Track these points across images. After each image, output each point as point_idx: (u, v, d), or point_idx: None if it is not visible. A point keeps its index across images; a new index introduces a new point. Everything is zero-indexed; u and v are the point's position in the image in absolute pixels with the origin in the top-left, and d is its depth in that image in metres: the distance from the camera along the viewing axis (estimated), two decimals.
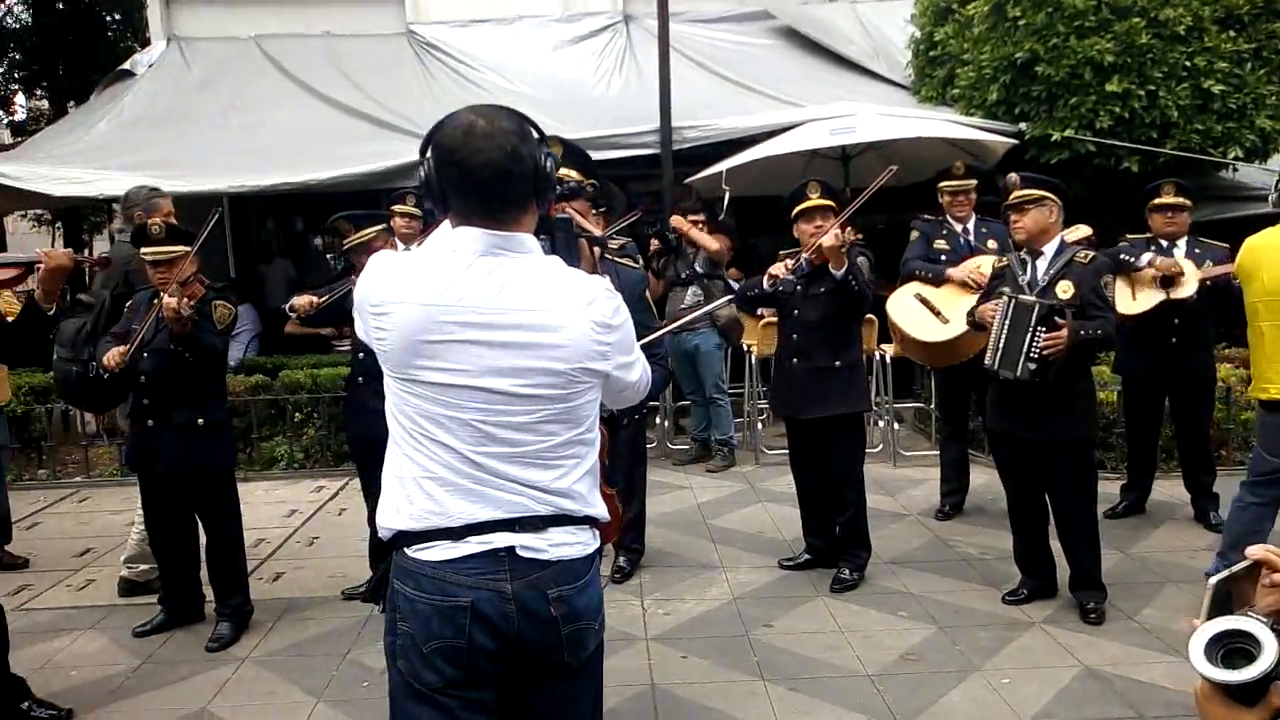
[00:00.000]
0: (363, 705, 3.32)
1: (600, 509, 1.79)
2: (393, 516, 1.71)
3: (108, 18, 18.15)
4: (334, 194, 7.35)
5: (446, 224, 1.85)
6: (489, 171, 1.63)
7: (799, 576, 4.39)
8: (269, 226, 11.30)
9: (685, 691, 3.37)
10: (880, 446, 6.40)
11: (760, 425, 6.66)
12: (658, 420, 6.78)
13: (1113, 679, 3.36)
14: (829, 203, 4.16)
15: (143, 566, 4.32)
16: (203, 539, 3.98)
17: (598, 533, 1.80)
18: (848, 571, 4.23)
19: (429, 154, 1.69)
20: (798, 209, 4.18)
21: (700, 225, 6.33)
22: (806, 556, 4.47)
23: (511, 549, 1.67)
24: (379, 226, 4.04)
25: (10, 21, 18.07)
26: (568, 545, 1.72)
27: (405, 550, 1.70)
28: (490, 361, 1.64)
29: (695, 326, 6.15)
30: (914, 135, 6.64)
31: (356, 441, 4.25)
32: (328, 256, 11.35)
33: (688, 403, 6.74)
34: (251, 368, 6.92)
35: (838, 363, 4.14)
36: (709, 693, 3.35)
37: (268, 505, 5.77)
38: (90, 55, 16.71)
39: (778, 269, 4.13)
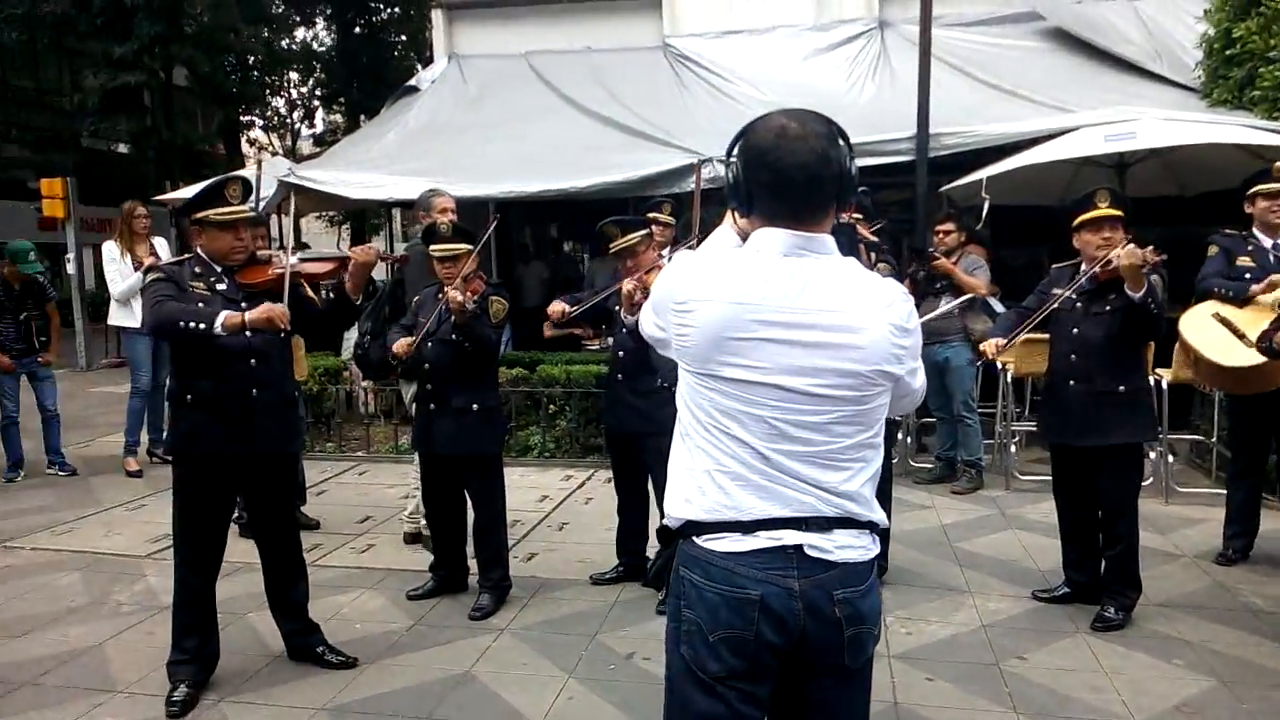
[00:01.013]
0: (610, 686, 3.48)
1: (880, 515, 1.79)
2: (683, 507, 1.77)
3: (395, 40, 20.09)
4: (588, 202, 7.74)
5: (723, 226, 1.91)
6: (801, 174, 1.67)
7: (1055, 610, 4.13)
8: (527, 232, 12.04)
9: (931, 714, 3.27)
10: (1150, 480, 5.88)
11: (1013, 448, 6.31)
12: (899, 435, 6.59)
13: None
14: (1118, 212, 3.87)
15: (424, 520, 4.76)
16: (470, 516, 4.31)
17: (877, 539, 1.80)
18: (1113, 610, 3.93)
19: (736, 156, 1.74)
20: (1082, 218, 3.90)
21: (950, 236, 6.11)
22: (1065, 590, 4.19)
23: (800, 547, 1.70)
24: (643, 232, 4.20)
25: (316, 45, 20.44)
26: (852, 548, 1.74)
27: (694, 539, 1.75)
28: (789, 360, 1.67)
29: (947, 338, 5.93)
30: (1208, 140, 6.03)
31: (611, 434, 4.46)
32: (580, 260, 11.94)
33: (933, 420, 6.51)
34: (512, 361, 7.38)
35: (1121, 387, 3.84)
36: (956, 718, 3.24)
37: (520, 490, 6.14)
38: (379, 74, 18.57)
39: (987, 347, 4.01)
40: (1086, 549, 4.11)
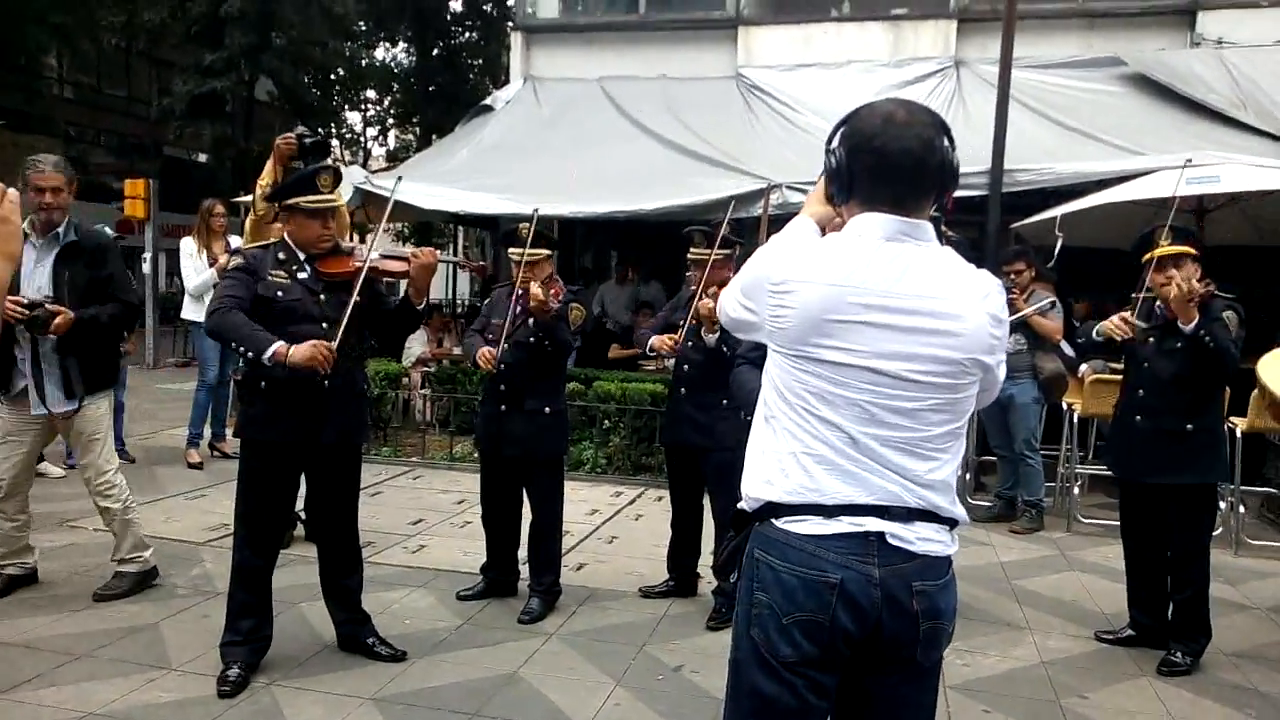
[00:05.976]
0: (658, 696, 3.45)
1: (962, 512, 1.78)
2: (763, 488, 1.76)
3: (471, 63, 20.59)
4: (650, 225, 7.80)
5: (799, 216, 1.89)
6: (907, 159, 1.69)
7: (1119, 652, 4.00)
8: (589, 256, 12.14)
9: None
10: (1220, 530, 5.69)
11: (1076, 491, 6.16)
12: (958, 471, 6.46)
13: None
14: (1185, 249, 3.83)
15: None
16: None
17: (957, 538, 1.77)
18: (1180, 655, 3.80)
19: (839, 141, 1.75)
20: (1146, 258, 3.87)
21: (1022, 275, 6.01)
22: (1129, 633, 4.06)
23: (881, 535, 1.68)
24: (726, 252, 4.16)
25: (394, 66, 21.05)
26: (932, 542, 1.72)
27: (773, 521, 1.74)
28: (887, 344, 1.67)
29: (1014, 375, 5.82)
30: None
31: (670, 448, 4.43)
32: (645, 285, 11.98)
33: (993, 458, 6.39)
34: (568, 376, 7.41)
35: (1189, 426, 3.76)
36: None
37: (571, 503, 6.00)
38: (453, 96, 19.03)
39: (1113, 324, 3.84)
40: (1154, 590, 3.99)
